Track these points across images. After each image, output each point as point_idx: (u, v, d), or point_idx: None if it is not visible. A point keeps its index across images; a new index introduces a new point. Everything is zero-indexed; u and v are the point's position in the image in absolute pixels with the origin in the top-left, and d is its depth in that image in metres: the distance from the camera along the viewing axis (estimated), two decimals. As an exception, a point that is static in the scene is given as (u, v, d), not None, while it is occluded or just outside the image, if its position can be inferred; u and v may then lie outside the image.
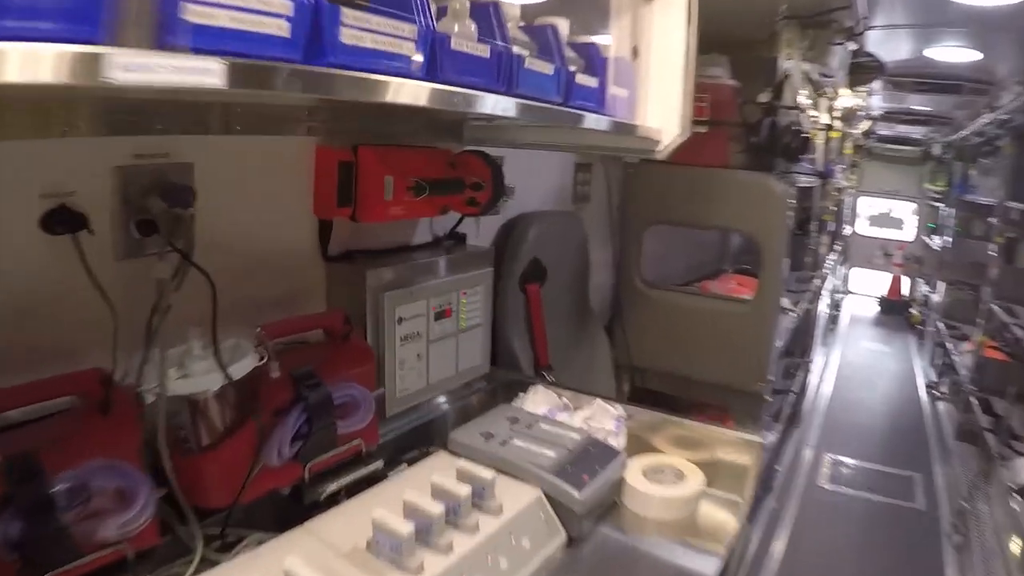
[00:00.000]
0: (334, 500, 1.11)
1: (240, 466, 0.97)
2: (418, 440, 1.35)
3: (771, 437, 2.36)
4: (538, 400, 1.48)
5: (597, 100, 1.10)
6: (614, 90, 1.18)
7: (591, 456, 1.21)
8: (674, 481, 1.28)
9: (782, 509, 3.55)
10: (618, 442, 1.35)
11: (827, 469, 4.18)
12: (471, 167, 1.35)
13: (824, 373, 5.97)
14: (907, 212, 8.86)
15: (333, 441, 1.07)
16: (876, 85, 4.34)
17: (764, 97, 2.20)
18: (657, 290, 2.19)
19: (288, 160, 1.17)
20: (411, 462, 1.26)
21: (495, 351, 1.71)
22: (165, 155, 1.02)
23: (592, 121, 1.02)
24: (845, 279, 8.43)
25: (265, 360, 1.00)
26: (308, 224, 1.22)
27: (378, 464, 1.13)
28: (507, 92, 0.87)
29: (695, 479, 1.27)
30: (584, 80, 1.04)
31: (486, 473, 1.04)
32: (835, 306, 7.20)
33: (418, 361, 1.34)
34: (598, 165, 2.16)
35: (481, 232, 1.67)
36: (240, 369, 0.95)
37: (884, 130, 7.46)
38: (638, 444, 1.39)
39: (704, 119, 1.93)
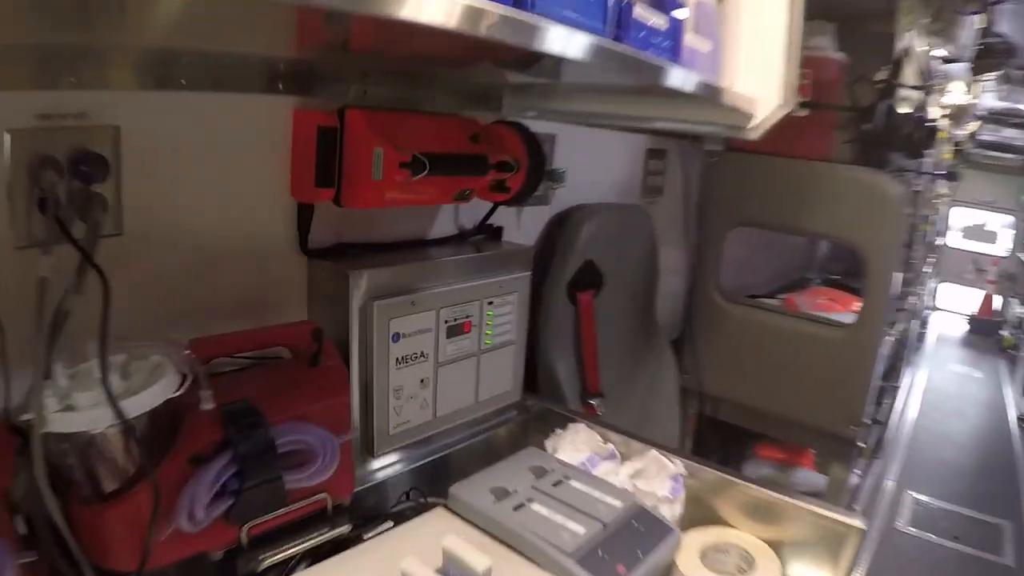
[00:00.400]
0: (286, 569, 0.86)
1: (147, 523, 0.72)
2: (421, 483, 1.08)
3: (854, 478, 1.96)
4: (578, 442, 1.17)
5: (667, 47, 0.77)
6: (692, 39, 0.84)
7: (634, 534, 0.91)
8: (740, 569, 0.97)
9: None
10: (672, 512, 1.03)
11: (908, 510, 3.64)
12: (501, 142, 1.06)
13: (908, 398, 5.34)
14: (1002, 225, 8.03)
15: (281, 498, 0.80)
16: (992, 79, 3.70)
17: (882, 75, 1.77)
18: (737, 304, 1.82)
19: (259, 126, 0.91)
20: (402, 517, 0.99)
21: (534, 373, 1.41)
22: (80, 115, 0.78)
23: (654, 70, 0.70)
24: (933, 294, 7.71)
25: (183, 388, 0.74)
26: (284, 209, 0.96)
27: (343, 529, 0.86)
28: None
29: (767, 568, 0.94)
30: (646, 14, 0.72)
31: (479, 564, 0.75)
32: (922, 323, 6.51)
33: (421, 388, 1.07)
34: (674, 153, 1.80)
35: (525, 226, 1.37)
36: (142, 402, 0.69)
37: (987, 134, 6.63)
38: (698, 510, 1.07)
39: (805, 100, 1.53)
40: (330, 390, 0.87)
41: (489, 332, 1.15)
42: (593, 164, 1.51)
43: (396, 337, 1.00)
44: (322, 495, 0.87)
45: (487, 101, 1.19)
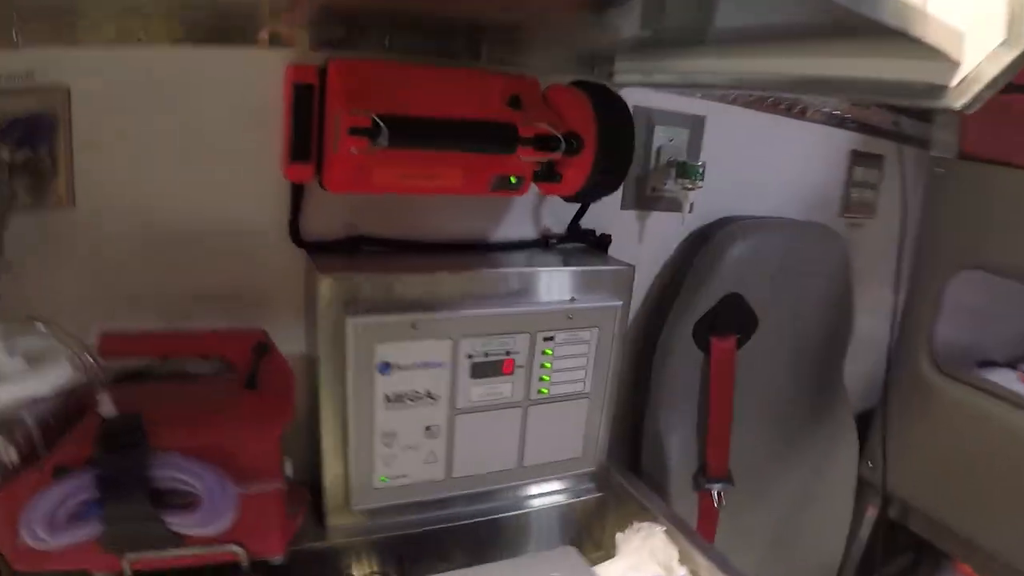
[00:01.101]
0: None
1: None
2: (415, 554, 0.82)
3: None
4: (644, 552, 0.81)
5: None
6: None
7: None
8: None
9: None
10: None
11: None
12: (561, 108, 0.74)
13: None
14: None
15: (165, 538, 0.61)
16: None
17: None
18: (954, 380, 1.19)
19: (242, 87, 0.73)
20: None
21: (636, 437, 1.06)
22: (27, 75, 0.67)
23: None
24: None
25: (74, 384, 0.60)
26: (275, 189, 0.77)
27: None
28: None
29: None
30: None
31: None
32: None
33: (428, 438, 0.80)
34: (892, 160, 1.25)
35: (651, 238, 1.03)
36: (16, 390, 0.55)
37: None
38: None
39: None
40: (255, 423, 0.66)
41: (546, 378, 0.84)
42: (762, 162, 1.09)
43: (385, 368, 0.75)
44: (233, 547, 0.66)
45: (594, 65, 0.88)
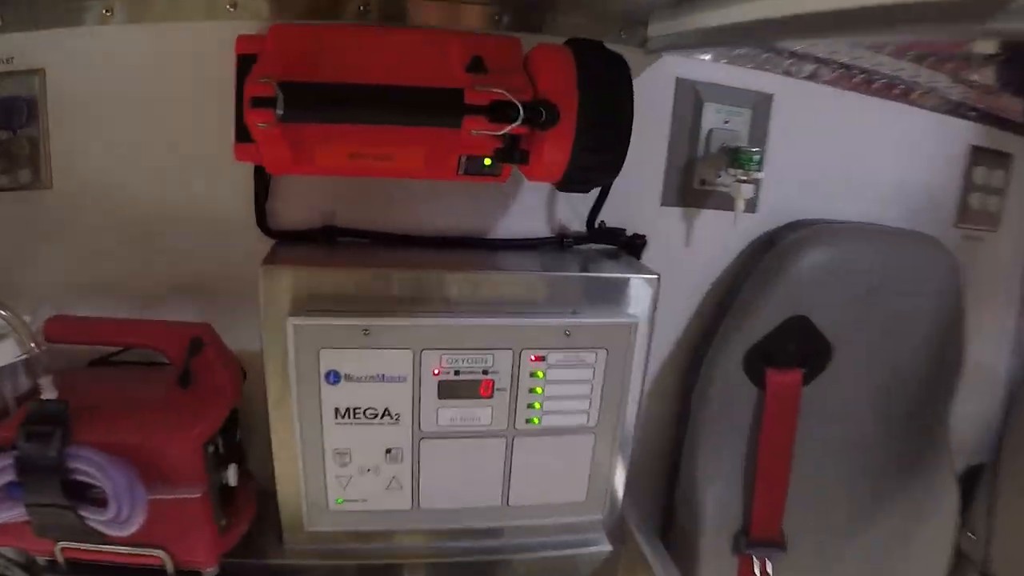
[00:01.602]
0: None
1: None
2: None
3: None
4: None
5: None
6: None
7: None
8: None
9: None
10: None
11: None
12: (536, 72, 0.59)
13: None
14: None
15: (79, 530, 0.56)
16: None
17: None
18: None
19: (207, 64, 0.66)
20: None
21: (670, 488, 0.90)
22: (7, 60, 0.65)
23: None
24: None
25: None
26: (244, 175, 0.70)
27: None
28: None
29: None
30: None
31: None
32: None
33: (388, 462, 0.69)
34: (1022, 158, 0.97)
35: (701, 242, 0.86)
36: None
37: None
38: None
39: None
40: (174, 427, 0.58)
41: (536, 405, 0.70)
42: (851, 155, 0.87)
43: (333, 377, 0.65)
44: (156, 551, 0.60)
45: (622, 29, 0.73)
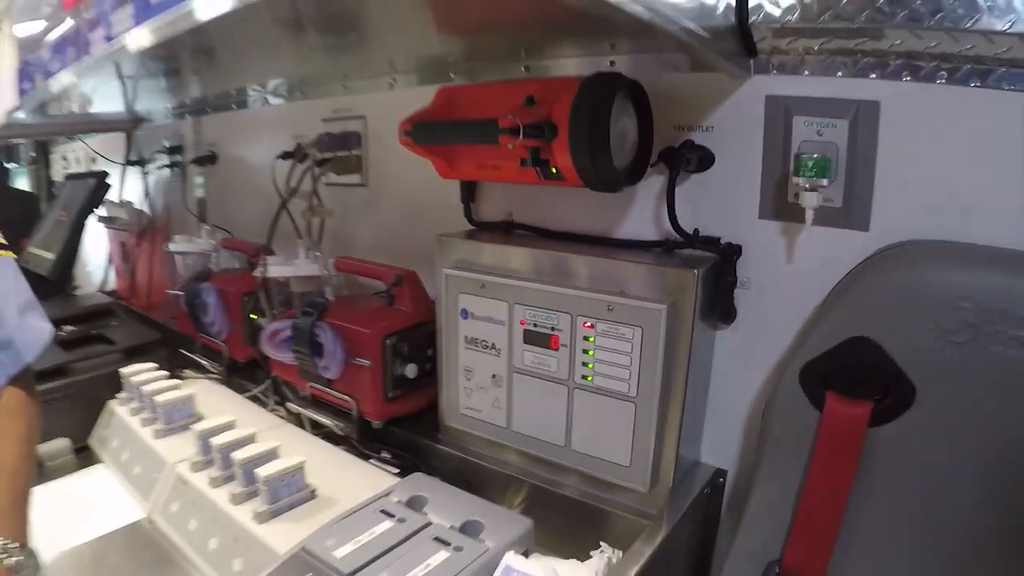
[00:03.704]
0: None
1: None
2: (481, 483, 1.01)
3: None
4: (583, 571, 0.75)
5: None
6: None
7: None
8: None
9: None
10: None
11: None
12: (557, 100, 0.80)
13: None
14: None
15: (312, 373, 1.10)
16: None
17: None
18: None
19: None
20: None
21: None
22: (348, 109, 1.29)
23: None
24: None
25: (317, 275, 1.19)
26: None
27: (345, 428, 1.04)
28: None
29: None
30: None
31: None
32: None
33: (494, 384, 0.97)
34: None
35: (807, 260, 0.83)
36: (287, 269, 1.16)
37: None
38: None
39: None
40: (372, 323, 1.04)
41: (589, 365, 0.87)
42: (996, 169, 0.67)
43: (465, 314, 0.98)
44: (347, 398, 1.06)
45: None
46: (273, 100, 1.52)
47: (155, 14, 0.73)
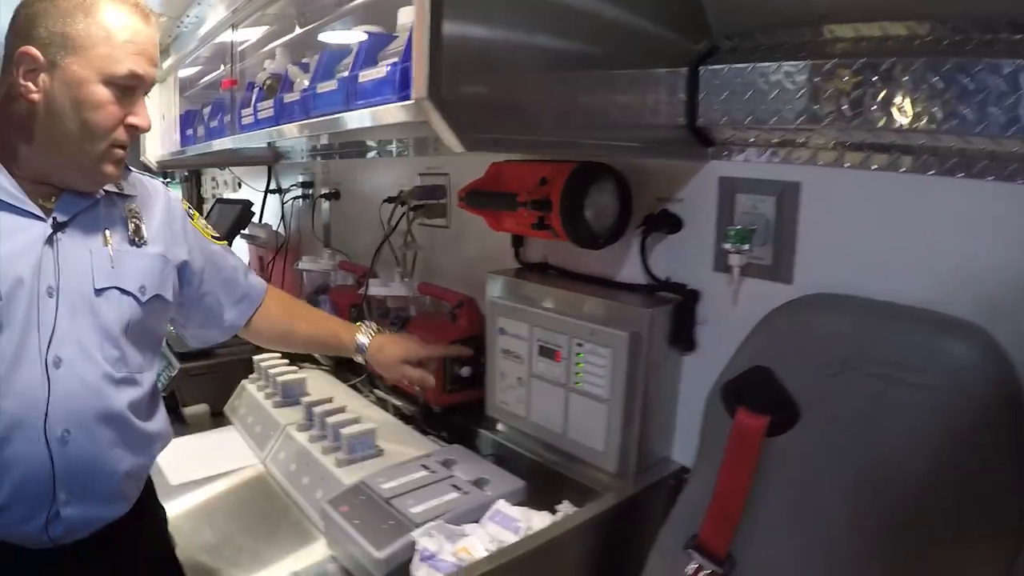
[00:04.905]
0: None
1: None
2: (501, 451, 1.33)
3: None
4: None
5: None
6: None
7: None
8: None
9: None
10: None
11: None
12: (555, 183, 1.11)
13: None
14: None
15: None
16: None
17: None
18: None
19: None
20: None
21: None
22: (438, 168, 1.65)
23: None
24: None
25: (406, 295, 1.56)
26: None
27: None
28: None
29: None
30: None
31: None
32: None
33: (519, 384, 1.28)
34: None
35: (747, 306, 1.07)
36: (384, 289, 1.55)
37: None
38: None
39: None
40: (438, 333, 1.39)
41: (579, 373, 1.16)
42: (898, 234, 0.87)
43: (501, 331, 1.30)
44: (417, 389, 1.43)
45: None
46: (384, 154, 1.91)
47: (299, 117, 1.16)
